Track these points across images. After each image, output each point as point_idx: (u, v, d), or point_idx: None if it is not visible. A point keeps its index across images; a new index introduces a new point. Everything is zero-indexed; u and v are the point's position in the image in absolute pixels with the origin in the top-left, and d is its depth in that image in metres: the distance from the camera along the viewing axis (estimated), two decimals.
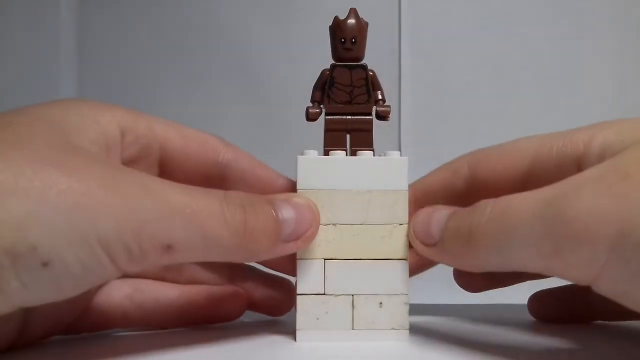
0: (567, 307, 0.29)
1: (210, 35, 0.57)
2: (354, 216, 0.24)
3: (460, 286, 0.30)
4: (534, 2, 0.53)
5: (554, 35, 0.52)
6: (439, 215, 0.23)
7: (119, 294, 0.26)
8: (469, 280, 0.29)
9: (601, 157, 0.21)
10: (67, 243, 0.17)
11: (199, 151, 0.26)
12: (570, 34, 0.52)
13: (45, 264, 0.17)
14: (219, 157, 0.26)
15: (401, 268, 0.24)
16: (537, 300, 0.30)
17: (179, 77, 0.57)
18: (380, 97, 0.26)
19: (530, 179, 0.24)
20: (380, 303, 0.24)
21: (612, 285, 0.18)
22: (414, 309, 0.30)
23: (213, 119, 0.56)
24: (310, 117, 0.25)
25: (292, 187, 0.25)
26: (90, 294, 0.26)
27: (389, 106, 0.26)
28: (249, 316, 0.29)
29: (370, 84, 0.25)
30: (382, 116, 0.26)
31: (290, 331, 0.25)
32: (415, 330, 0.26)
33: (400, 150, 0.55)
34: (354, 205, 0.24)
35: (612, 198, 0.18)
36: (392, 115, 0.55)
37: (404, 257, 0.24)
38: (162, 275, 0.28)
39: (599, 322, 0.29)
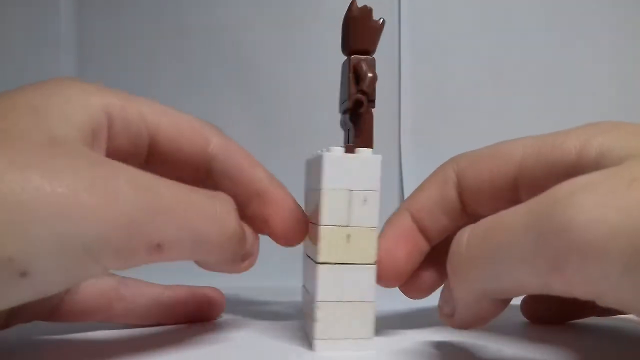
0: (558, 305, 0.28)
1: (209, 36, 0.57)
2: (315, 216, 0.23)
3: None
4: (534, 2, 0.53)
5: (554, 35, 0.52)
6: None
7: (105, 284, 0.26)
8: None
9: (598, 165, 0.20)
10: (48, 253, 0.16)
11: (190, 144, 0.24)
12: (570, 34, 0.52)
13: (23, 274, 0.16)
14: (208, 149, 0.25)
15: (316, 272, 0.22)
16: (531, 301, 0.29)
17: (179, 78, 0.57)
18: (363, 87, 0.22)
19: (520, 186, 0.23)
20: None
21: (621, 299, 0.16)
22: (406, 309, 0.30)
23: (212, 119, 0.55)
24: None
25: (270, 181, 0.25)
26: None
27: (354, 98, 0.22)
28: None
29: (351, 76, 0.23)
30: (350, 110, 0.23)
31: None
32: (410, 331, 0.26)
33: (400, 150, 0.55)
34: (314, 204, 0.24)
35: (619, 208, 0.16)
36: (392, 115, 0.55)
37: (320, 261, 0.22)
38: None
39: (592, 323, 0.29)
